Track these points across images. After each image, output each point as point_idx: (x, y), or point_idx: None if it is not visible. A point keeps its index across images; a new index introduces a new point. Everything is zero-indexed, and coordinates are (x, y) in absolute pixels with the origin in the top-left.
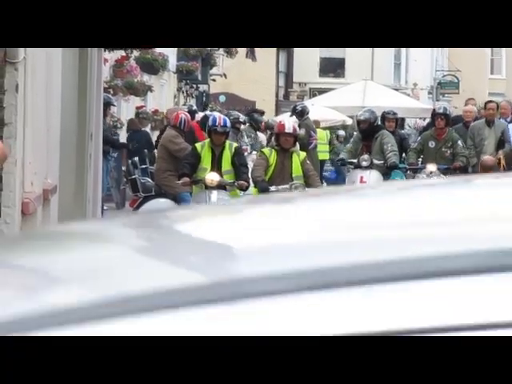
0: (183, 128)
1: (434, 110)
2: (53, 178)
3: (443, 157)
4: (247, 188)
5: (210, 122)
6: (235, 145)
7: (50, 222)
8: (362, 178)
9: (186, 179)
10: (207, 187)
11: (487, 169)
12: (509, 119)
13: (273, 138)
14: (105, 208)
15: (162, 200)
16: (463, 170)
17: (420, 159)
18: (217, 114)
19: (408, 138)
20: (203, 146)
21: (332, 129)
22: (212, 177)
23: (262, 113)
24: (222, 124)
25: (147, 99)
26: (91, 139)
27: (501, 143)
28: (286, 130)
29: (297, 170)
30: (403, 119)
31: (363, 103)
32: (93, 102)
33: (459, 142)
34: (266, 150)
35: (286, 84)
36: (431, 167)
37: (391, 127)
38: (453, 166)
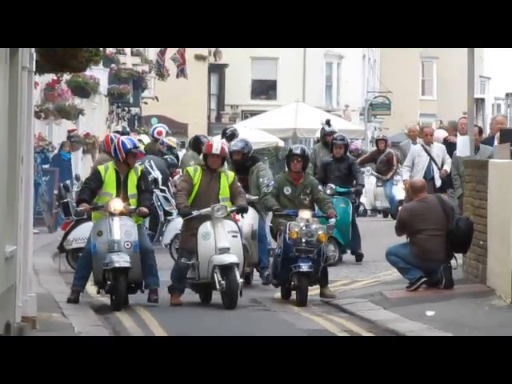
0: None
1: (290, 149)
2: None
3: (302, 204)
4: (148, 215)
5: (127, 145)
6: (140, 168)
7: None
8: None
9: (86, 205)
10: (111, 214)
11: (417, 191)
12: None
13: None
14: (36, 231)
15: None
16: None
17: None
18: (131, 137)
19: (356, 162)
20: (107, 170)
21: (264, 151)
22: (115, 205)
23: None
24: (137, 145)
25: (79, 122)
26: (22, 163)
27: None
28: (214, 151)
29: (224, 191)
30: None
31: (295, 125)
32: (23, 126)
33: (320, 188)
34: (191, 169)
35: (218, 106)
36: (305, 214)
37: (338, 154)
38: (327, 215)
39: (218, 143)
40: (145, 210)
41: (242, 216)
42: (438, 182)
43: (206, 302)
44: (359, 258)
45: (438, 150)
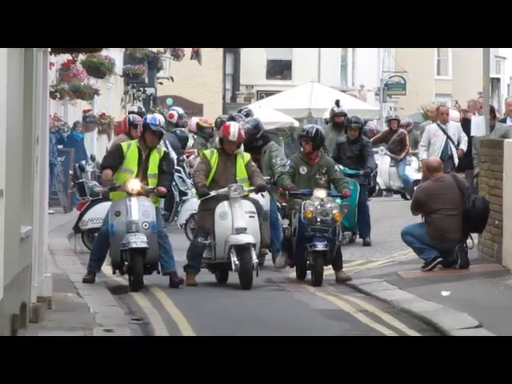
0: (131, 125)
1: (302, 130)
2: None
3: (318, 184)
4: (166, 195)
5: (146, 120)
6: (163, 149)
7: None
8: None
9: (109, 172)
10: (128, 193)
11: (432, 170)
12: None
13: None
14: (52, 212)
15: (110, 203)
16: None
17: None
18: (157, 115)
19: (369, 144)
20: (129, 146)
21: (279, 131)
22: (133, 185)
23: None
24: (161, 124)
25: (94, 103)
26: (37, 143)
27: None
28: (230, 138)
29: (241, 172)
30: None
31: (310, 105)
32: (39, 106)
33: (336, 168)
34: (207, 152)
35: (233, 86)
36: (320, 193)
37: (353, 136)
38: (341, 194)
39: (235, 128)
40: (163, 189)
41: (262, 195)
42: (456, 161)
43: (223, 281)
44: (367, 244)
45: (454, 128)
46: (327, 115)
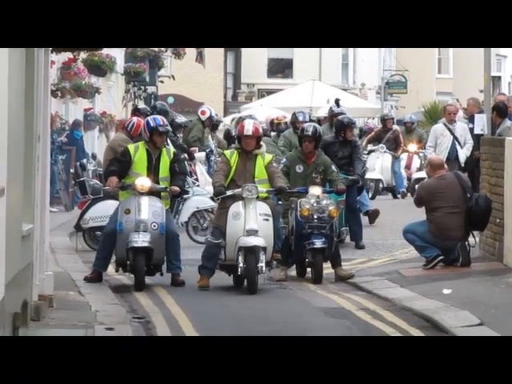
0: (131, 131)
1: (302, 129)
2: (0, 181)
3: (314, 183)
4: (180, 194)
5: (151, 123)
6: (173, 150)
7: None
8: None
9: (115, 178)
10: (138, 192)
11: (435, 168)
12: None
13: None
14: (54, 210)
15: (111, 202)
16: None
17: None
18: (158, 116)
19: (359, 146)
20: (137, 149)
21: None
22: (142, 182)
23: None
24: (165, 124)
25: (95, 101)
26: (39, 141)
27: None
28: (245, 133)
29: (260, 173)
30: None
31: (311, 103)
32: (40, 105)
33: (333, 168)
34: (227, 152)
35: (235, 85)
36: (316, 191)
37: (351, 137)
38: (336, 190)
39: (249, 123)
40: (177, 188)
41: (284, 199)
42: (462, 161)
43: (239, 285)
44: (360, 248)
45: (462, 129)
46: (322, 113)
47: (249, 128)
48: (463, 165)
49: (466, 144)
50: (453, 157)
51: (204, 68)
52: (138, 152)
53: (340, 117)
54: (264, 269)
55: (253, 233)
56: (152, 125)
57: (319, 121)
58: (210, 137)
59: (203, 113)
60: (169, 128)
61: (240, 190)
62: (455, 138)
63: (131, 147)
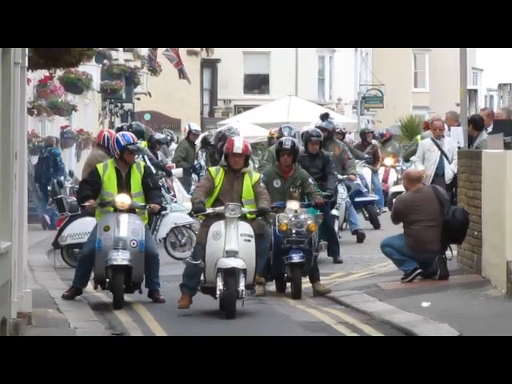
0: (108, 146)
1: (280, 143)
2: None
3: (292, 197)
4: (160, 212)
5: (122, 142)
6: (143, 164)
7: None
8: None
9: (91, 201)
10: (115, 210)
11: (412, 181)
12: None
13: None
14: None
15: (89, 219)
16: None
17: None
18: (127, 132)
19: (331, 160)
20: (106, 168)
21: (257, 145)
22: (123, 199)
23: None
24: (135, 141)
25: (72, 119)
26: (16, 159)
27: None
28: (235, 150)
29: (247, 193)
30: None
31: (288, 119)
32: (17, 123)
33: (310, 180)
34: (212, 170)
35: (211, 101)
36: (293, 205)
37: (314, 150)
38: (315, 203)
39: (239, 141)
40: (156, 206)
41: (265, 219)
42: (448, 179)
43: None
44: (339, 262)
45: (449, 144)
46: (306, 128)
47: (239, 146)
48: (448, 181)
49: (454, 159)
50: (441, 172)
51: (189, 83)
52: (107, 171)
53: (308, 128)
54: (244, 292)
55: (233, 254)
56: (122, 144)
57: None
58: (199, 152)
59: (184, 130)
60: (139, 145)
61: (221, 208)
62: (443, 153)
63: (100, 167)
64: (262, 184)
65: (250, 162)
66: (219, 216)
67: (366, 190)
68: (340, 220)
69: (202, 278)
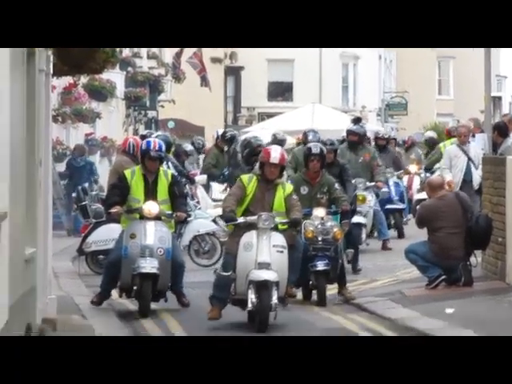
0: (133, 153)
1: (308, 149)
2: (2, 206)
3: (319, 204)
4: (186, 220)
5: (143, 147)
6: (170, 172)
7: (1, 249)
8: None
9: (118, 207)
10: (142, 217)
11: (435, 188)
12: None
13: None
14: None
15: (113, 225)
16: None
17: None
18: (151, 139)
19: (347, 168)
20: (133, 174)
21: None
22: (150, 207)
23: None
24: (156, 148)
25: (96, 126)
26: (41, 166)
27: None
28: (272, 160)
29: (279, 205)
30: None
31: (312, 126)
32: (41, 130)
33: (336, 186)
34: (245, 178)
35: (235, 109)
36: (320, 212)
37: (330, 159)
38: (341, 210)
39: (276, 151)
40: (183, 214)
41: (296, 229)
42: (476, 184)
43: (253, 322)
44: (358, 271)
45: (475, 150)
46: (329, 136)
47: (276, 156)
48: (477, 187)
49: (479, 165)
50: (469, 178)
51: (210, 91)
52: (135, 177)
53: (311, 144)
54: (276, 306)
55: (265, 266)
56: (144, 148)
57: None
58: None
59: (212, 137)
60: (161, 154)
61: (254, 218)
62: (469, 158)
63: (128, 173)
64: (294, 196)
65: (285, 173)
66: (250, 226)
67: (396, 197)
68: (368, 227)
69: (231, 289)
